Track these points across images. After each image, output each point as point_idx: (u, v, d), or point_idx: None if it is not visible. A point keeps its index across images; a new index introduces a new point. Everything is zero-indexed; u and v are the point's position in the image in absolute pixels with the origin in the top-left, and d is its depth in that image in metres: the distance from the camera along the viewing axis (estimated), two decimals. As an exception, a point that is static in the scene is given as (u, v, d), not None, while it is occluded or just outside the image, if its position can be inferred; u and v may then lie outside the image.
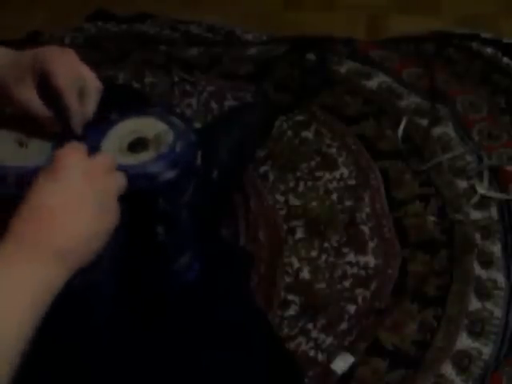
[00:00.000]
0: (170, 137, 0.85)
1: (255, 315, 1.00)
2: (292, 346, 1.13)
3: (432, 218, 1.27)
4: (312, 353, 1.13)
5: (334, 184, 1.34)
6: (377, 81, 1.51)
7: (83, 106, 0.84)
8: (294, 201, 1.33)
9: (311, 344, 1.13)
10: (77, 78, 0.84)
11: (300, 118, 1.45)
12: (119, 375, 0.81)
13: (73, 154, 0.70)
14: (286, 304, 1.19)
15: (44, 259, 0.64)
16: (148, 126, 0.87)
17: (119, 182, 0.74)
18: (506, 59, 1.51)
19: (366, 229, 1.27)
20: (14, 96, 0.83)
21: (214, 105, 1.50)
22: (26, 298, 0.61)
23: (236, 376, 0.86)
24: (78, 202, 0.68)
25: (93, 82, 0.85)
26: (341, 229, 1.28)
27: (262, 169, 1.38)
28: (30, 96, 0.83)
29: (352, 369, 1.10)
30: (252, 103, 1.47)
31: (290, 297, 1.20)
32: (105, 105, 0.87)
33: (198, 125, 1.44)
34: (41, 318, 0.62)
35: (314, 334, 1.15)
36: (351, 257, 1.24)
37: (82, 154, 0.72)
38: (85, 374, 0.79)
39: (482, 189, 1.30)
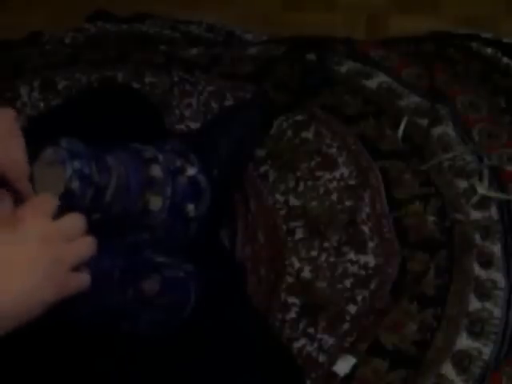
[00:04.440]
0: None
1: (254, 319, 1.00)
2: (294, 347, 1.14)
3: (432, 218, 1.27)
4: (314, 354, 1.13)
5: (334, 184, 1.34)
6: (377, 81, 1.50)
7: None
8: (294, 201, 1.33)
9: (313, 346, 1.14)
10: None
11: (300, 117, 1.45)
12: None
13: (34, 217, 0.67)
14: (286, 307, 1.19)
15: None
16: None
17: (80, 250, 0.69)
18: (505, 59, 1.51)
19: (366, 229, 1.27)
20: None
21: (213, 105, 1.50)
22: None
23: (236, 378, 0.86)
24: (26, 268, 0.63)
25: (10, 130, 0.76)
26: (341, 229, 1.28)
27: (262, 169, 1.38)
28: None
29: (353, 369, 1.10)
30: (251, 101, 1.47)
31: (291, 299, 1.20)
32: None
33: (197, 125, 1.45)
34: None
35: (316, 335, 1.15)
36: (351, 256, 1.24)
37: (44, 217, 0.68)
38: None
39: (482, 189, 1.30)
